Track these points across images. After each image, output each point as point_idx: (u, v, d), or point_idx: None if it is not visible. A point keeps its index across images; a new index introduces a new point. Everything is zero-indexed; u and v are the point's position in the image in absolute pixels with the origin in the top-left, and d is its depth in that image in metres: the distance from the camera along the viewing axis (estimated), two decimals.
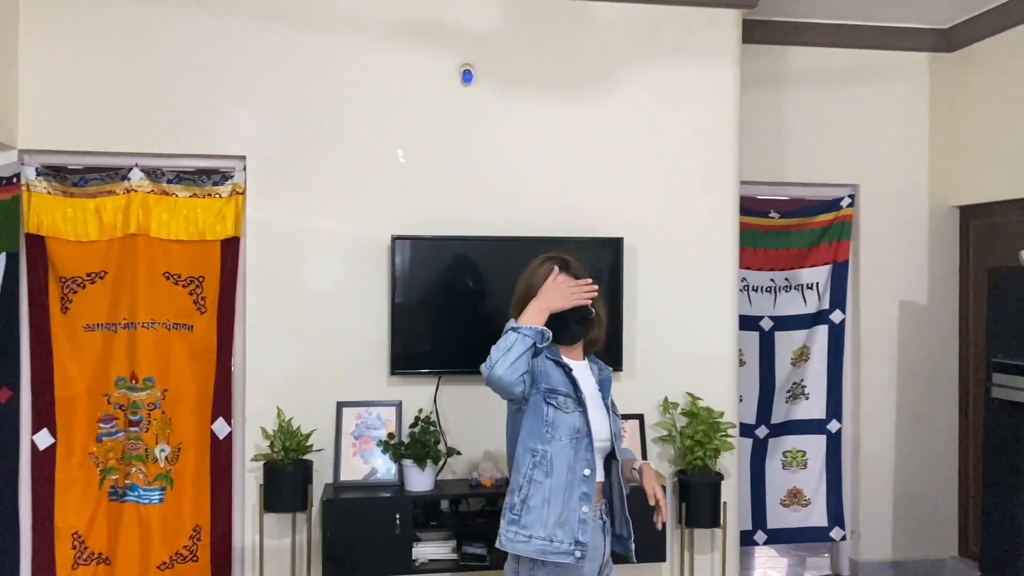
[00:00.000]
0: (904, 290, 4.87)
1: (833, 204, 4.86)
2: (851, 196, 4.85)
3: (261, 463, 3.68)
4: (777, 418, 4.88)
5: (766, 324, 4.86)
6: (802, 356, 4.89)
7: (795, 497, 4.91)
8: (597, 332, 2.61)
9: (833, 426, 4.88)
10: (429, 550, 3.64)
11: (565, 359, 2.50)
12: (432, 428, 3.72)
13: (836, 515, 4.86)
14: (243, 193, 3.85)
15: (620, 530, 2.55)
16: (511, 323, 2.36)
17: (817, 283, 4.88)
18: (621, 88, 4.05)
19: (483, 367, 2.32)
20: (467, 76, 3.88)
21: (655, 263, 4.08)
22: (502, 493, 3.64)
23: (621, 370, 3.94)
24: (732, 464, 4.10)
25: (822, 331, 4.89)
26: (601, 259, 3.95)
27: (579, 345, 2.58)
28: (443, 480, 3.80)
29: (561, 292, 2.42)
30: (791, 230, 4.86)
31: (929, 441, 4.87)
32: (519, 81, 3.96)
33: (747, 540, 4.81)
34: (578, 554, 2.34)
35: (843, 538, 4.85)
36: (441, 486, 3.74)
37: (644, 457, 3.98)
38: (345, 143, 3.88)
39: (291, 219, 3.84)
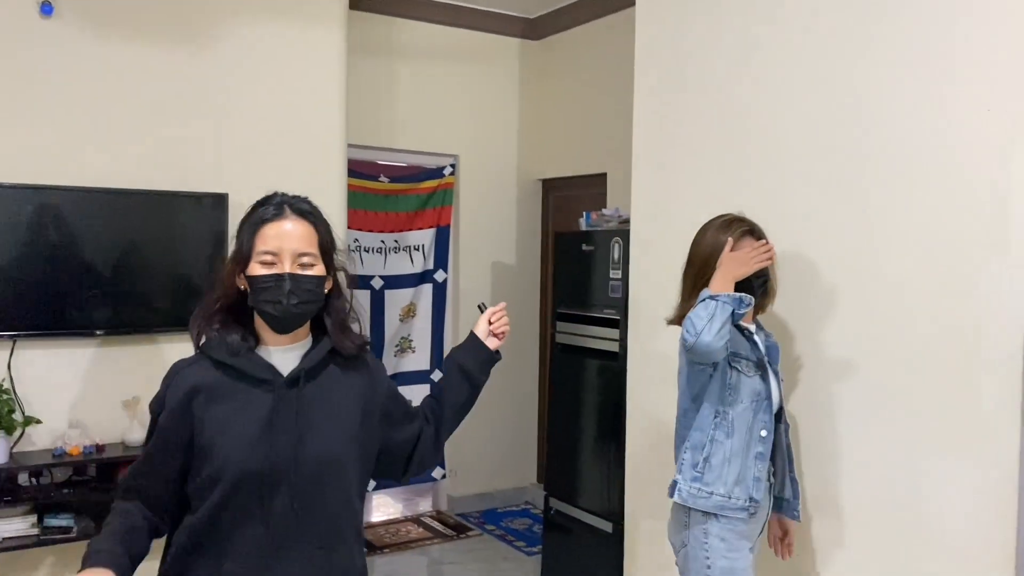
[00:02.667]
0: (496, 252, 5.44)
1: (437, 172, 5.25)
2: (452, 165, 5.28)
3: None
4: (387, 371, 5.18)
5: (377, 283, 5.13)
6: (409, 312, 5.24)
7: None
8: (773, 295, 2.58)
9: (436, 375, 5.31)
10: (5, 527, 3.33)
11: (743, 323, 2.48)
12: (5, 396, 3.39)
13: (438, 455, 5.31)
14: None
15: (783, 492, 2.58)
16: (706, 291, 2.33)
17: (423, 245, 5.25)
18: (227, 40, 3.97)
19: (685, 335, 2.30)
20: (46, 8, 3.53)
21: None
22: (94, 461, 3.49)
23: None
24: None
25: (427, 290, 5.28)
26: (205, 215, 3.87)
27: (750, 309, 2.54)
28: (21, 452, 3.49)
29: (742, 259, 2.39)
30: (400, 194, 5.16)
31: (515, 385, 5.52)
32: (112, 21, 3.70)
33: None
34: (752, 510, 2.41)
35: (443, 477, 5.33)
36: (18, 458, 3.43)
37: None
38: None
39: None
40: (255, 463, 1.54)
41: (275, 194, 1.67)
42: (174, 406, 1.59)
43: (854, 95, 2.71)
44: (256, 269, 1.57)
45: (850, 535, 2.72)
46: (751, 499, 2.39)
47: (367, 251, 5.09)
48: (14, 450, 3.45)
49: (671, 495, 2.48)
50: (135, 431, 3.62)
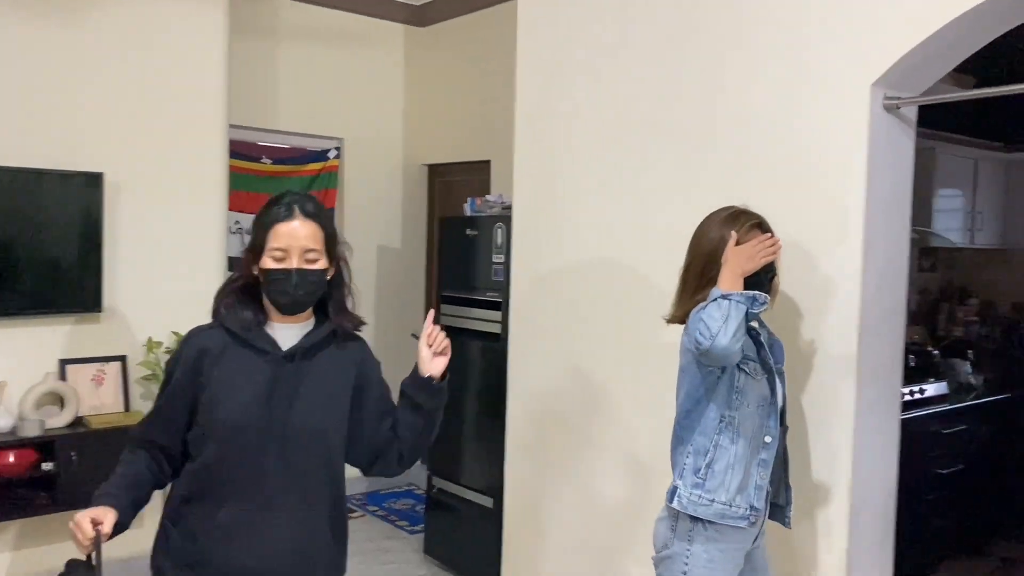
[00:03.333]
0: (381, 236, 5.48)
1: (321, 154, 5.24)
2: (337, 148, 5.28)
3: None
4: None
5: None
6: None
7: None
8: (776, 290, 2.42)
9: None
10: None
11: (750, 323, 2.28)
12: None
13: None
14: None
15: (777, 498, 2.43)
16: (717, 291, 2.18)
17: None
18: (105, 15, 3.86)
19: (699, 338, 2.14)
20: None
21: (140, 201, 4.01)
22: None
23: (100, 311, 3.83)
24: None
25: None
26: (79, 194, 3.76)
27: None
28: None
29: (749, 253, 2.23)
30: (283, 176, 5.12)
31: (401, 368, 5.55)
32: None
33: None
34: (752, 519, 2.28)
35: None
36: None
37: (127, 398, 3.93)
38: None
39: None
40: (248, 422, 1.77)
41: (286, 193, 1.87)
42: (186, 363, 1.82)
43: (722, 91, 2.92)
44: (268, 263, 1.79)
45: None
46: (752, 507, 2.28)
47: (249, 233, 5.02)
48: None
49: (669, 501, 2.35)
50: (1, 417, 3.50)
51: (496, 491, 3.89)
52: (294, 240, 1.77)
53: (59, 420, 3.65)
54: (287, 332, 1.85)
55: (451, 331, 4.18)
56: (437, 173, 5.60)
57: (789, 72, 2.72)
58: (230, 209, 4.50)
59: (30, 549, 3.73)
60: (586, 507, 3.40)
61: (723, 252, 2.27)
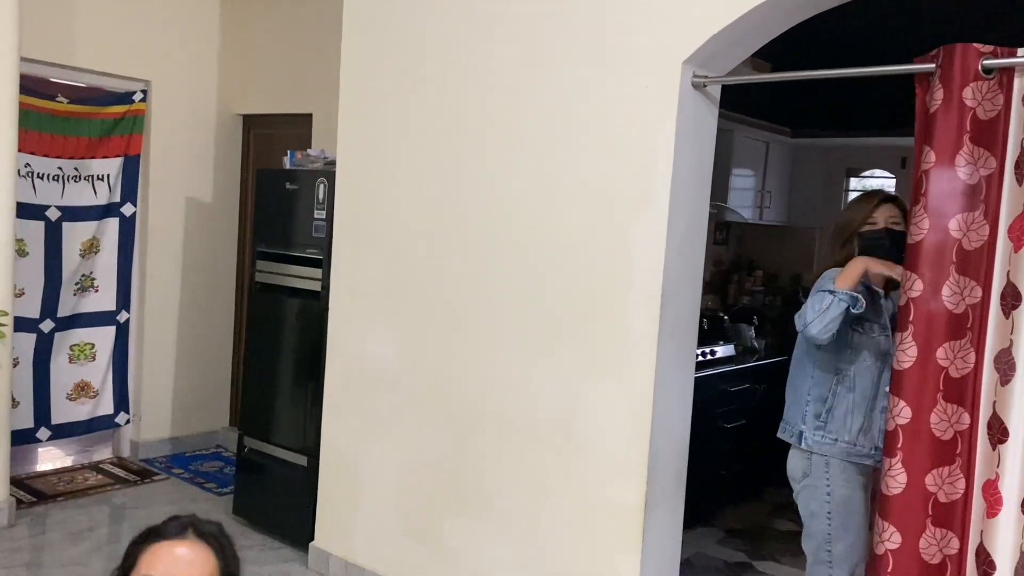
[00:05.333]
0: (190, 187, 5.21)
1: (125, 97, 4.89)
2: (144, 91, 4.94)
3: None
4: (64, 311, 4.78)
5: (53, 214, 4.69)
6: (92, 248, 4.87)
7: (83, 390, 4.92)
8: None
9: (123, 317, 5.00)
10: None
11: (874, 284, 2.59)
12: None
13: (122, 402, 5.04)
14: None
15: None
16: (827, 281, 2.50)
17: (108, 175, 4.88)
18: None
19: (796, 320, 2.54)
20: None
21: None
22: None
23: None
24: (4, 355, 3.91)
25: (113, 223, 4.93)
26: None
27: None
28: None
29: (878, 267, 2.53)
30: (81, 117, 4.74)
31: (208, 327, 5.37)
32: None
33: (29, 438, 4.67)
34: (877, 458, 2.52)
35: (127, 422, 5.07)
36: None
37: None
38: None
39: None
40: None
41: (183, 516, 1.41)
42: None
43: (545, 67, 3.02)
44: None
45: (518, 449, 3.09)
46: (876, 448, 2.57)
47: (41, 178, 4.63)
48: None
49: (797, 443, 2.69)
50: None
51: (311, 450, 3.86)
52: (178, 569, 1.29)
53: None
54: None
55: (267, 288, 4.13)
56: (254, 124, 5.38)
57: (606, 48, 2.85)
58: (20, 150, 4.12)
59: None
60: (404, 466, 3.46)
61: (850, 227, 2.66)
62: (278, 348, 4.10)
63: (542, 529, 3.03)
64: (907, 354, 2.23)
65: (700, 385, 3.13)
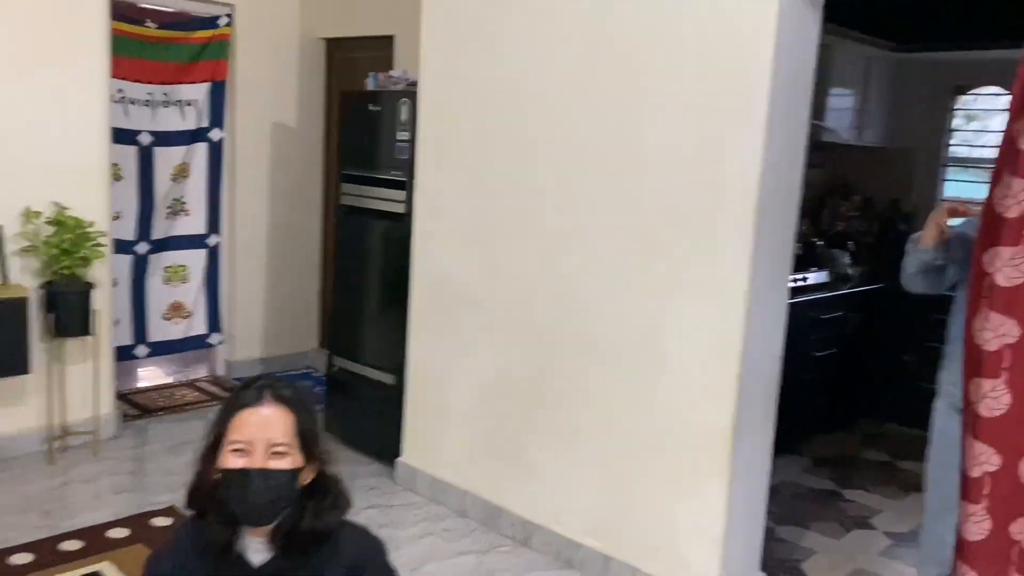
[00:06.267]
0: (276, 112, 5.25)
1: (211, 21, 4.91)
2: (228, 16, 4.95)
3: None
4: (158, 234, 4.93)
5: (144, 139, 4.79)
6: (182, 173, 4.97)
7: (177, 310, 5.09)
8: None
9: (212, 240, 5.13)
10: None
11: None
12: None
13: (214, 323, 5.21)
14: None
15: None
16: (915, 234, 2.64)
17: (196, 100, 4.94)
18: None
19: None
20: None
21: (14, 60, 3.70)
22: None
23: None
24: (105, 273, 4.07)
25: (201, 148, 5.02)
26: None
27: None
28: None
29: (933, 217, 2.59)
30: (169, 42, 4.78)
31: (296, 250, 5.46)
32: None
33: (128, 355, 4.88)
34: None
35: (220, 343, 5.24)
36: None
37: (5, 270, 3.70)
38: None
39: None
40: None
41: (259, 377, 1.52)
42: (165, 568, 1.52)
43: None
44: (227, 460, 1.44)
45: (603, 369, 3.06)
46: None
47: (133, 103, 4.72)
48: None
49: None
50: None
51: (398, 369, 3.91)
52: (260, 431, 1.42)
53: None
54: (260, 545, 1.50)
55: (352, 210, 4.15)
56: (336, 48, 5.35)
57: None
58: (113, 76, 4.20)
59: None
60: (488, 385, 3.48)
61: None
62: (364, 270, 4.14)
63: (627, 450, 3.01)
64: (1000, 402, 2.04)
65: (791, 312, 3.02)
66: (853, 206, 5.40)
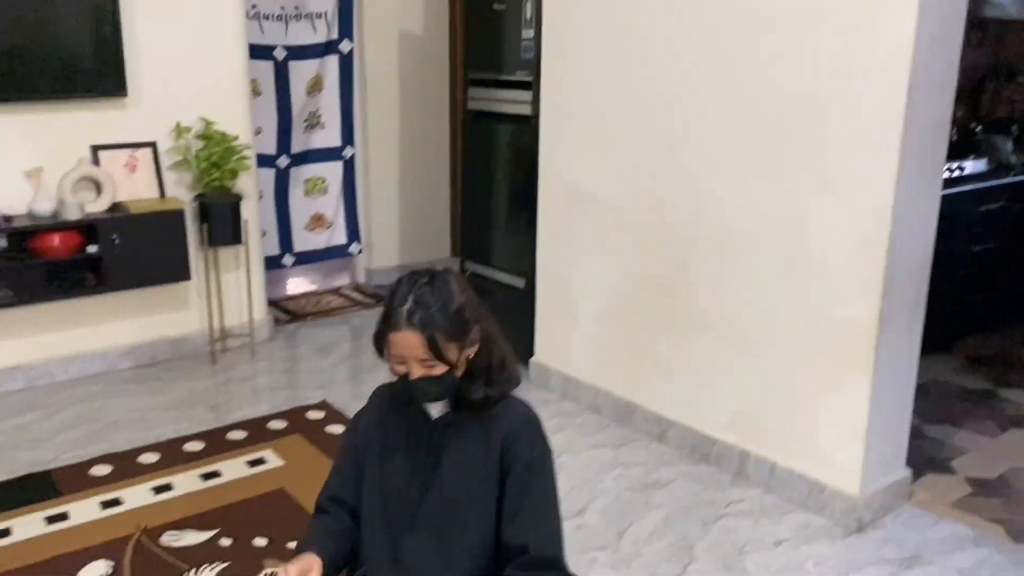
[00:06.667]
0: (402, 21, 5.26)
1: None
2: None
3: None
4: (297, 148, 5.11)
5: (279, 53, 4.92)
6: (316, 86, 5.10)
7: (318, 221, 5.31)
8: None
9: (348, 152, 5.28)
10: None
11: None
12: None
13: (353, 233, 5.40)
14: None
15: None
16: None
17: (325, 12, 5.01)
18: None
19: None
20: None
21: None
22: (4, 231, 3.42)
23: (126, 96, 3.77)
24: (251, 185, 4.27)
25: (333, 61, 5.11)
26: None
27: None
28: None
29: None
30: None
31: (427, 158, 5.55)
32: None
33: (276, 264, 5.15)
34: None
35: (359, 252, 5.45)
36: None
37: (161, 185, 3.95)
38: None
39: None
40: (387, 495, 1.67)
41: (401, 284, 1.57)
42: (361, 423, 1.74)
43: None
44: (392, 365, 1.59)
45: (739, 267, 2.98)
46: None
47: (267, 18, 4.84)
48: None
49: None
50: (41, 202, 3.55)
51: (528, 272, 3.96)
52: (407, 350, 1.54)
53: (98, 205, 3.69)
54: (438, 404, 1.67)
55: (480, 115, 4.16)
56: None
57: None
58: None
59: (83, 328, 3.91)
60: (619, 286, 3.47)
61: None
62: (493, 175, 4.17)
63: (764, 347, 2.95)
64: None
65: (944, 204, 2.82)
66: (1018, 89, 4.94)
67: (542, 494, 1.63)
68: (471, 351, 1.60)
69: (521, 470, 1.61)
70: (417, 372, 1.56)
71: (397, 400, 1.67)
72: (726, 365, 3.09)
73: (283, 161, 5.07)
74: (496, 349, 1.65)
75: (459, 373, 1.59)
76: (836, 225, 2.68)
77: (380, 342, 1.60)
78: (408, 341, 1.53)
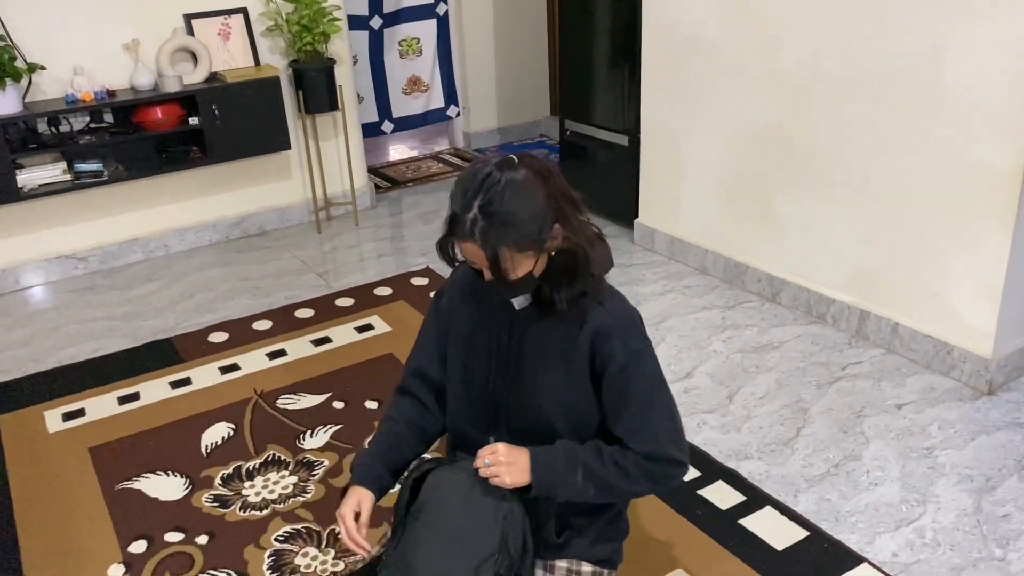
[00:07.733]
0: None
1: None
2: None
3: None
4: (389, 7, 4.93)
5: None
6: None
7: (415, 84, 5.19)
8: None
9: (441, 9, 5.07)
10: (37, 175, 3.43)
11: None
12: (3, 43, 3.28)
13: (451, 96, 5.27)
14: None
15: None
16: None
17: None
18: None
19: None
20: None
21: None
22: (108, 105, 3.48)
23: None
24: (344, 49, 4.18)
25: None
26: None
27: None
28: (33, 101, 3.47)
29: None
30: None
31: (523, 16, 5.28)
32: None
33: (375, 131, 5.10)
34: None
35: (457, 115, 5.33)
36: (32, 107, 3.42)
37: (255, 52, 3.90)
38: None
39: None
40: (470, 387, 1.61)
41: (464, 189, 1.39)
42: (443, 302, 1.66)
43: None
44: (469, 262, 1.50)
45: (863, 109, 2.72)
46: None
47: None
48: (25, 99, 3.43)
49: None
50: (141, 74, 3.56)
51: (631, 129, 3.77)
52: (476, 258, 1.43)
53: (195, 76, 3.69)
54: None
55: None
56: None
57: None
58: None
59: (193, 200, 4.00)
60: (729, 138, 3.25)
61: None
62: (592, 28, 3.91)
63: (892, 197, 2.73)
64: None
65: None
66: None
67: (642, 393, 1.50)
68: (552, 246, 1.45)
69: (615, 371, 1.49)
70: (489, 275, 1.44)
71: (478, 285, 1.56)
72: (846, 220, 2.89)
73: (376, 22, 4.92)
74: (581, 243, 1.46)
75: (538, 273, 1.46)
76: (979, 57, 2.38)
77: (446, 246, 1.48)
78: (473, 253, 1.42)
